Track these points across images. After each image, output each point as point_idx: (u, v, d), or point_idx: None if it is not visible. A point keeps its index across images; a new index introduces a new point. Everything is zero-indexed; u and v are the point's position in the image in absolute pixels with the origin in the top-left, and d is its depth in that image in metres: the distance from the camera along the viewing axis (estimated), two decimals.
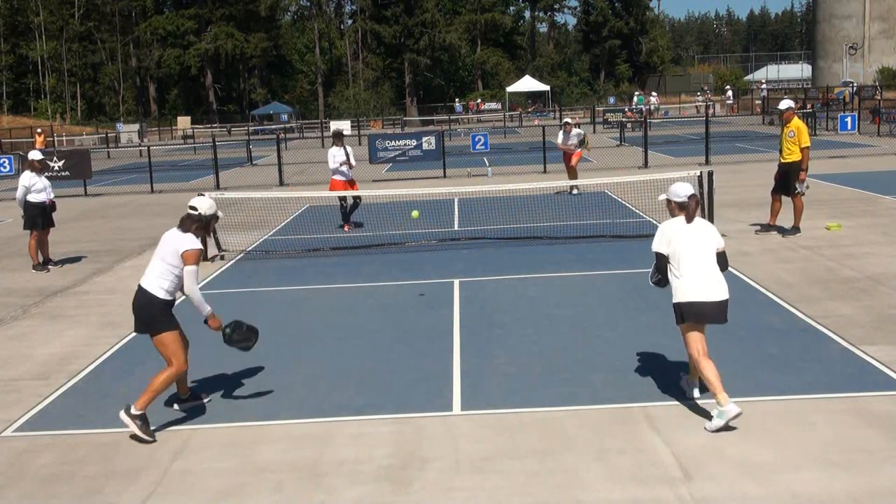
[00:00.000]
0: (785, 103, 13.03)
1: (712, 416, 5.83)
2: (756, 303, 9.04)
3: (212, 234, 13.16)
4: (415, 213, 9.34)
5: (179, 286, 6.23)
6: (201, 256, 6.26)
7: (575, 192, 18.30)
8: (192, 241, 6.18)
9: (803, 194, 12.69)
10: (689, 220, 6.13)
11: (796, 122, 12.67)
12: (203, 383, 7.27)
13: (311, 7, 79.20)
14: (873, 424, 5.80)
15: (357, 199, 15.46)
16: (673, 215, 6.24)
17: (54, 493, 5.39)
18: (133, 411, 6.12)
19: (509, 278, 10.75)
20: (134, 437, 6.10)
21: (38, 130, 42.49)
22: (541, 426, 6.04)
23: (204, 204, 6.36)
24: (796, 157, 12.57)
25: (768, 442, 5.59)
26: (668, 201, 6.26)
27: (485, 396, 6.66)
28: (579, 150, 19.02)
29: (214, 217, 6.44)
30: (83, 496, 5.34)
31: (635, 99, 57.04)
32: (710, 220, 12.86)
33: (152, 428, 6.28)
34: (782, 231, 12.77)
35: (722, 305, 5.99)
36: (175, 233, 6.29)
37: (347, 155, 15.06)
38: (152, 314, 6.16)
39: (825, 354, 7.30)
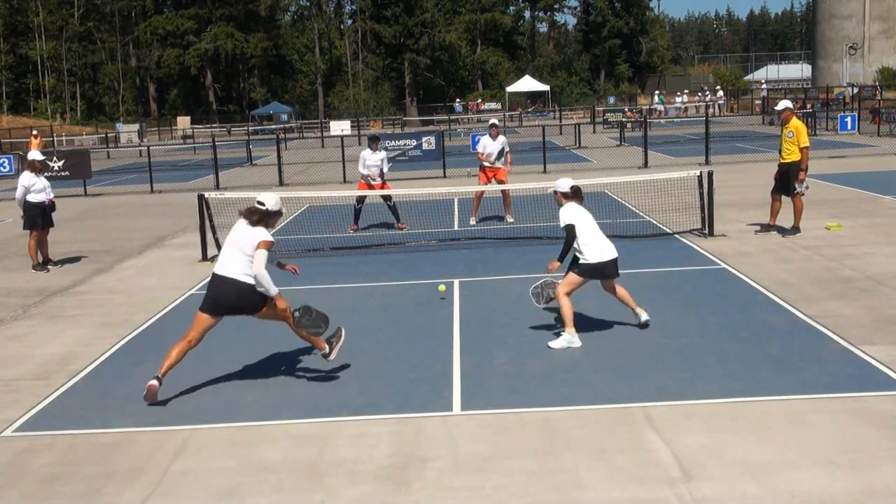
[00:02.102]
0: (783, 104, 13.04)
1: (558, 338, 7.80)
2: (756, 303, 9.03)
3: (211, 233, 13.18)
4: (441, 288, 9.66)
5: None
6: (272, 245, 6.87)
7: (511, 220, 15.31)
8: (264, 233, 6.84)
9: (803, 194, 12.69)
10: (581, 202, 8.01)
11: (795, 123, 12.68)
12: (204, 383, 7.27)
13: (311, 7, 79.20)
14: (873, 424, 5.80)
15: (386, 198, 15.11)
16: (560, 203, 8.00)
17: (54, 493, 5.39)
18: (325, 350, 6.93)
19: (509, 278, 10.75)
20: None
21: (34, 132, 39.27)
22: (541, 426, 6.04)
23: (271, 200, 7.01)
24: (796, 157, 12.57)
25: (768, 442, 5.59)
26: (556, 192, 8.08)
27: (485, 396, 6.66)
28: (503, 166, 15.15)
29: (278, 213, 7.04)
30: (83, 496, 5.33)
31: (656, 98, 56.98)
32: (710, 219, 12.90)
33: (151, 427, 6.30)
34: (782, 231, 12.77)
35: (616, 262, 7.97)
36: (246, 227, 6.89)
37: (381, 161, 14.84)
38: (254, 295, 6.77)
39: (825, 354, 7.30)
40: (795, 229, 12.71)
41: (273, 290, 6.74)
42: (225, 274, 6.81)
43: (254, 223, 6.90)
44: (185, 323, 9.41)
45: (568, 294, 7.86)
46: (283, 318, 6.90)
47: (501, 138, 15.18)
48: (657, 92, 60.84)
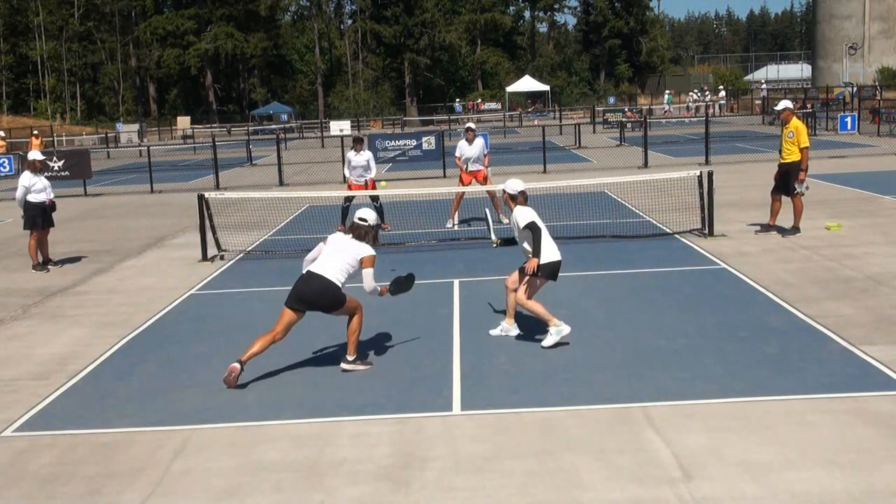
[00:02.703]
0: (783, 104, 13.04)
1: (547, 335, 7.72)
2: (756, 303, 9.03)
3: (212, 233, 13.18)
4: (383, 184, 9.97)
5: (349, 278, 7.34)
6: (375, 259, 7.44)
7: (506, 221, 14.13)
8: (368, 249, 7.38)
9: (803, 194, 12.69)
10: (525, 205, 7.92)
11: (795, 123, 12.68)
12: (204, 383, 7.27)
13: (311, 7, 79.22)
14: (873, 424, 5.80)
15: (374, 199, 15.10)
16: (508, 205, 8.03)
17: (54, 493, 5.39)
18: (350, 359, 7.38)
19: None
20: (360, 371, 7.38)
21: (35, 132, 38.55)
22: (541, 426, 6.04)
23: (371, 216, 7.51)
24: (796, 157, 12.58)
25: (768, 442, 5.59)
26: (504, 192, 8.04)
27: (485, 396, 6.66)
28: (482, 169, 15.00)
29: (378, 227, 7.58)
30: (83, 496, 5.34)
31: (666, 97, 56.82)
32: (710, 219, 12.90)
33: (151, 427, 6.31)
34: (782, 231, 12.77)
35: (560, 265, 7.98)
36: (350, 240, 7.36)
37: (367, 162, 14.81)
38: (336, 295, 7.19)
39: (825, 354, 7.29)
40: (795, 229, 12.71)
41: (377, 290, 7.49)
42: (317, 271, 7.22)
43: (359, 238, 7.36)
44: (185, 323, 9.46)
45: (530, 297, 7.78)
46: (353, 310, 7.37)
47: (479, 141, 15.01)
48: (667, 91, 60.58)
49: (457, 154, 15.13)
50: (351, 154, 14.99)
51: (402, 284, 7.79)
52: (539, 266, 7.68)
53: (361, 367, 7.43)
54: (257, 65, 76.07)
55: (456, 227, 14.88)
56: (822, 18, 58.21)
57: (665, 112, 52.91)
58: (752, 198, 16.53)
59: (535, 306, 7.77)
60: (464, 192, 15.10)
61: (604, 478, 5.20)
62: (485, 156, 15.09)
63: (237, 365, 7.06)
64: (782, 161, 12.83)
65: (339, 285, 7.20)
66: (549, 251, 7.77)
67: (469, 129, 15.17)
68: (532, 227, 7.67)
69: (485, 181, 15.01)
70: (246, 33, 72.20)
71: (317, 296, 7.17)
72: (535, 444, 5.73)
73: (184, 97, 77.78)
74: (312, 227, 15.78)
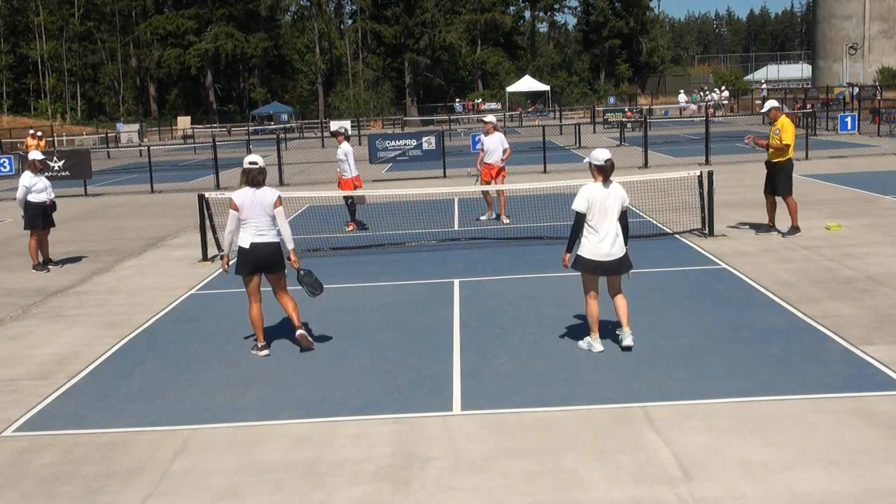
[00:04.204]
0: (768, 104, 13.15)
1: (582, 339, 7.73)
2: (756, 303, 9.03)
3: (212, 233, 13.18)
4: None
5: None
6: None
7: (506, 221, 14.99)
8: (275, 191, 7.78)
9: (748, 143, 13.13)
10: (606, 182, 7.31)
11: (782, 120, 12.71)
12: (203, 382, 7.27)
13: (311, 7, 79.19)
14: (873, 424, 5.80)
15: (347, 199, 15.26)
16: (594, 177, 7.39)
17: (54, 493, 5.39)
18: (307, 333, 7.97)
19: (509, 278, 10.75)
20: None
21: (38, 133, 37.38)
22: (541, 426, 6.04)
23: (258, 158, 7.81)
24: (782, 156, 12.60)
25: (768, 442, 5.59)
26: (590, 164, 7.41)
27: (485, 396, 6.66)
28: (497, 162, 14.91)
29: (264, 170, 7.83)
30: (83, 496, 5.34)
31: (687, 97, 56.60)
32: (711, 220, 12.90)
33: (152, 427, 6.32)
34: (782, 231, 12.77)
35: (616, 262, 7.40)
36: (256, 192, 7.66)
37: (346, 156, 15.02)
38: (281, 256, 7.76)
39: (825, 354, 7.29)
40: (795, 229, 12.70)
41: (292, 245, 7.88)
42: (266, 240, 7.68)
43: (260, 184, 7.69)
44: (185, 323, 9.46)
45: (588, 294, 7.53)
46: (281, 288, 7.88)
47: (498, 135, 14.98)
48: (693, 90, 60.28)
49: (478, 147, 15.39)
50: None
51: (312, 280, 8.11)
52: (576, 261, 7.45)
53: (306, 342, 7.95)
54: (257, 65, 76.05)
55: (505, 219, 14.92)
56: (822, 18, 58.25)
57: (692, 112, 52.46)
58: (752, 198, 16.51)
59: (589, 308, 7.58)
60: (488, 189, 15.12)
61: (604, 478, 5.20)
62: (504, 150, 15.00)
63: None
64: (768, 160, 12.86)
65: (279, 242, 7.70)
66: (589, 246, 7.32)
67: (484, 121, 15.35)
68: (574, 214, 7.32)
69: (498, 175, 14.99)
70: (246, 33, 72.19)
71: (274, 256, 7.71)
72: (535, 444, 5.73)
73: (184, 97, 77.77)
74: (312, 226, 15.78)
